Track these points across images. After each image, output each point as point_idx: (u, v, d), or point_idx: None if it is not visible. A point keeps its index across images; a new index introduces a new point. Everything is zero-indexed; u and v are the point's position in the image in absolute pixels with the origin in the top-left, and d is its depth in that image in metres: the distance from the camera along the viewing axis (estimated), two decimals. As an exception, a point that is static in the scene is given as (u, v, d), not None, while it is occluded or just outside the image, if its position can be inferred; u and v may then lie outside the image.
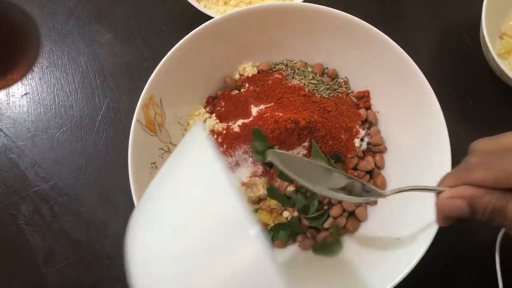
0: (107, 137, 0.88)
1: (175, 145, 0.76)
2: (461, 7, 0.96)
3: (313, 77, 0.80)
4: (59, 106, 0.90)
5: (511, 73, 0.80)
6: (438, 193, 0.54)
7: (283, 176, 0.73)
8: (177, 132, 0.77)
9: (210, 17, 0.74)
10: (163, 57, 0.70)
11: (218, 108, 0.79)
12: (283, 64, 0.82)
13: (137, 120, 0.68)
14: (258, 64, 0.82)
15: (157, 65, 0.70)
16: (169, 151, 0.75)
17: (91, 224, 0.85)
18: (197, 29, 0.71)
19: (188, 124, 0.78)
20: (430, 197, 0.68)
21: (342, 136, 0.74)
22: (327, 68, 0.82)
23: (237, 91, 0.81)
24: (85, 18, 0.94)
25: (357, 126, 0.77)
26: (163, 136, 0.74)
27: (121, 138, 0.88)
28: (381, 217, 0.75)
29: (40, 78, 0.92)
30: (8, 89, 0.91)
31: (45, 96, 0.91)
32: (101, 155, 0.88)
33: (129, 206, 0.76)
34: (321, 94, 0.79)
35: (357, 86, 0.81)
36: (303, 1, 0.80)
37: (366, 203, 0.77)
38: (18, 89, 0.91)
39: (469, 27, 0.93)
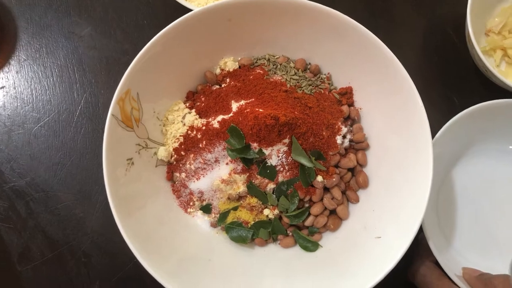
0: (86, 132, 0.87)
1: (153, 141, 0.75)
2: (447, 4, 0.95)
3: (295, 73, 0.79)
4: (37, 100, 0.88)
5: (496, 70, 0.79)
6: None
7: (263, 173, 0.71)
8: (155, 128, 0.76)
9: (191, 11, 0.72)
10: (143, 51, 0.69)
11: (198, 103, 0.78)
12: (265, 59, 0.80)
13: (113, 115, 0.67)
14: (239, 58, 0.80)
15: (137, 58, 0.69)
16: (146, 147, 0.73)
17: (68, 221, 0.83)
18: (175, 21, 0.69)
19: (167, 119, 0.76)
20: (411, 194, 0.68)
21: (324, 133, 0.73)
22: (309, 63, 0.81)
23: (217, 86, 0.79)
24: (63, 10, 0.92)
25: (339, 123, 0.76)
26: (141, 131, 0.73)
27: (99, 133, 0.86)
28: (362, 216, 0.74)
29: (17, 72, 0.89)
30: (-16, 83, 0.89)
31: (22, 90, 0.89)
32: (79, 151, 0.86)
33: (107, 203, 0.75)
34: (303, 90, 0.77)
35: (340, 82, 0.80)
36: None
37: (348, 200, 0.76)
38: (-6, 83, 0.89)
39: (454, 24, 0.92)
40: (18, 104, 0.88)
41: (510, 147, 0.86)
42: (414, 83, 0.68)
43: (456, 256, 0.80)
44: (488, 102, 0.78)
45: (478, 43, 0.80)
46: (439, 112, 0.87)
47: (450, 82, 0.91)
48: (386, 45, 0.69)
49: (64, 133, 0.87)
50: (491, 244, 0.83)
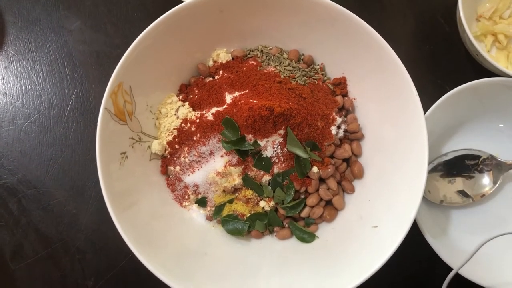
0: (77, 127, 0.85)
1: (146, 135, 0.74)
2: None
3: (289, 64, 0.78)
4: (26, 95, 0.87)
5: (487, 54, 0.80)
6: None
7: (258, 165, 0.71)
8: (148, 121, 0.75)
9: (182, 2, 0.71)
10: (134, 44, 0.68)
11: (191, 96, 0.77)
12: (258, 50, 0.79)
13: (105, 108, 0.66)
14: (232, 50, 0.80)
15: (128, 52, 0.68)
16: (140, 141, 0.73)
17: (61, 217, 0.82)
18: (167, 13, 0.68)
19: (160, 112, 0.76)
20: (406, 183, 0.68)
21: (319, 124, 0.73)
22: (303, 54, 0.80)
23: (210, 78, 0.78)
24: (52, 4, 0.90)
25: (334, 113, 0.75)
26: (134, 125, 0.72)
27: (91, 128, 0.85)
28: (358, 206, 0.74)
29: (5, 67, 0.88)
30: (-28, 79, 0.87)
31: (11, 85, 0.87)
32: (71, 146, 0.85)
33: (101, 199, 0.74)
34: (297, 81, 0.77)
35: (333, 73, 0.80)
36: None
37: (344, 191, 0.76)
38: (-18, 79, 0.87)
39: (446, 12, 0.92)
40: (7, 100, 0.86)
41: (500, 125, 0.87)
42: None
43: (454, 241, 0.81)
44: (476, 80, 0.78)
45: (469, 29, 0.80)
46: (431, 100, 0.87)
47: (442, 69, 0.91)
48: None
49: (55, 129, 0.85)
50: (485, 221, 0.84)
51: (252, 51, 0.80)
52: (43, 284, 0.80)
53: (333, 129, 0.74)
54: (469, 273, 0.76)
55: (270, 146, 0.70)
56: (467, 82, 0.78)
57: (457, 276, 0.76)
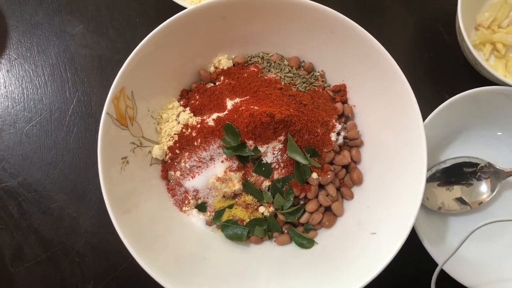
0: (78, 131, 0.86)
1: (147, 139, 0.74)
2: (437, 1, 0.96)
3: (290, 70, 0.79)
4: (28, 99, 0.87)
5: (486, 63, 0.80)
6: None
7: (258, 171, 0.71)
8: (149, 126, 0.75)
9: (184, 8, 0.71)
10: (136, 49, 0.68)
11: (193, 102, 0.77)
12: (259, 57, 0.80)
13: (107, 113, 0.66)
14: (233, 56, 0.80)
15: (130, 57, 0.68)
16: (141, 146, 0.73)
17: (61, 221, 0.83)
18: (169, 19, 0.69)
19: (162, 117, 0.76)
20: (405, 190, 0.68)
21: (318, 130, 0.73)
22: (303, 61, 0.81)
23: (212, 84, 0.79)
24: (55, 8, 0.91)
25: (334, 120, 0.76)
26: (135, 130, 0.72)
27: (92, 132, 0.85)
28: (357, 212, 0.75)
29: (7, 71, 0.88)
30: (-26, 82, 0.88)
31: (13, 89, 0.88)
32: (71, 150, 0.85)
33: (101, 202, 0.75)
34: (298, 88, 0.77)
35: (333, 80, 0.80)
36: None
37: (343, 197, 0.77)
38: (-16, 82, 0.88)
39: (445, 21, 0.93)
40: (9, 104, 0.87)
41: (499, 133, 0.87)
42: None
43: (451, 248, 0.81)
44: (475, 89, 0.79)
45: (468, 37, 0.81)
46: (429, 107, 0.88)
47: (440, 77, 0.92)
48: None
49: (57, 132, 0.86)
50: (483, 229, 0.84)
51: (253, 57, 0.80)
52: (42, 287, 0.80)
53: (333, 136, 0.75)
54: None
55: (270, 152, 0.71)
56: (466, 90, 0.79)
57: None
